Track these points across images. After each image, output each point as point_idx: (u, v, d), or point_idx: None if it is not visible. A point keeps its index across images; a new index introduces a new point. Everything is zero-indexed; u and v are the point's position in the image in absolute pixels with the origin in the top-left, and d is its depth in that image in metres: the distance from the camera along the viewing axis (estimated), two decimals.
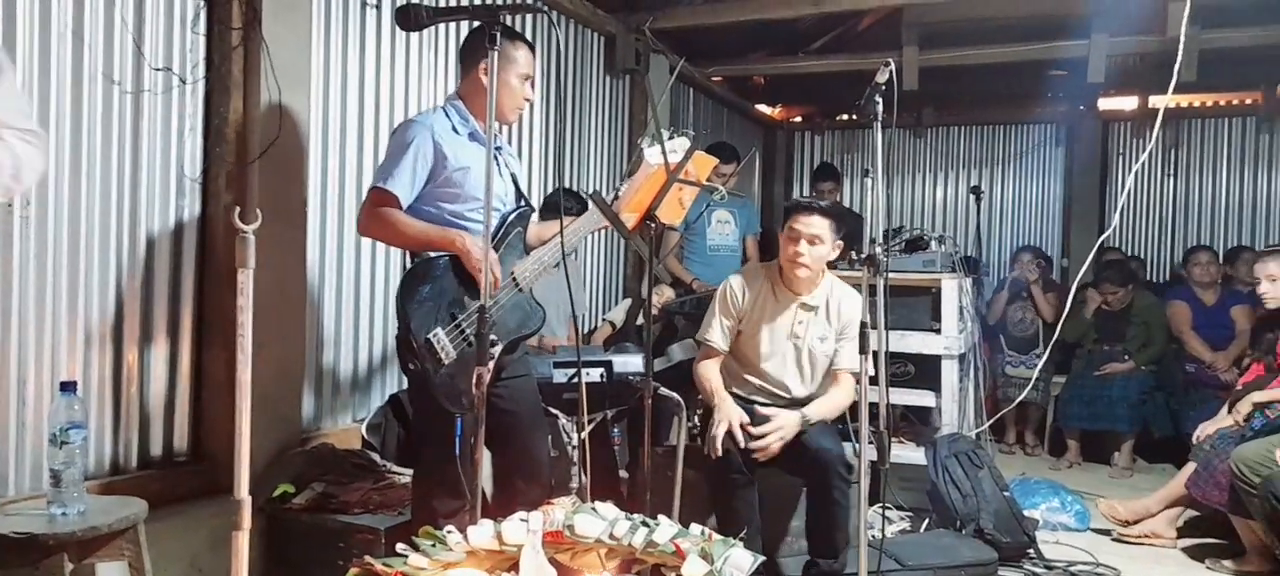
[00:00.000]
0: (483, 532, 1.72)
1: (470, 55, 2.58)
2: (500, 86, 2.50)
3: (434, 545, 1.70)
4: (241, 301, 1.54)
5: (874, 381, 2.43)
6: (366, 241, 3.51)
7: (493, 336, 2.37)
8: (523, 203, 2.68)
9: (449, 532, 1.73)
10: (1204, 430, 3.77)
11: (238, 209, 1.68)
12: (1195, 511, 3.86)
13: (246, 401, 1.62)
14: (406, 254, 2.63)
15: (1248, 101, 7.17)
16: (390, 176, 2.43)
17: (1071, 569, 3.49)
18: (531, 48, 2.60)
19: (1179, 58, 3.46)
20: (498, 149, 2.61)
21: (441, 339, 2.38)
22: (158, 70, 2.75)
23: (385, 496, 2.94)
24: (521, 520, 1.72)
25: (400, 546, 1.70)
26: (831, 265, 3.25)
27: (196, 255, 2.90)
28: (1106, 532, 3.92)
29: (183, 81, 2.83)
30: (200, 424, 2.93)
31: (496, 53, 2.09)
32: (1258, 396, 3.64)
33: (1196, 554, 3.72)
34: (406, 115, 3.60)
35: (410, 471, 2.97)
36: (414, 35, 3.70)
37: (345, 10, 3.38)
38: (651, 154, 2.62)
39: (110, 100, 2.64)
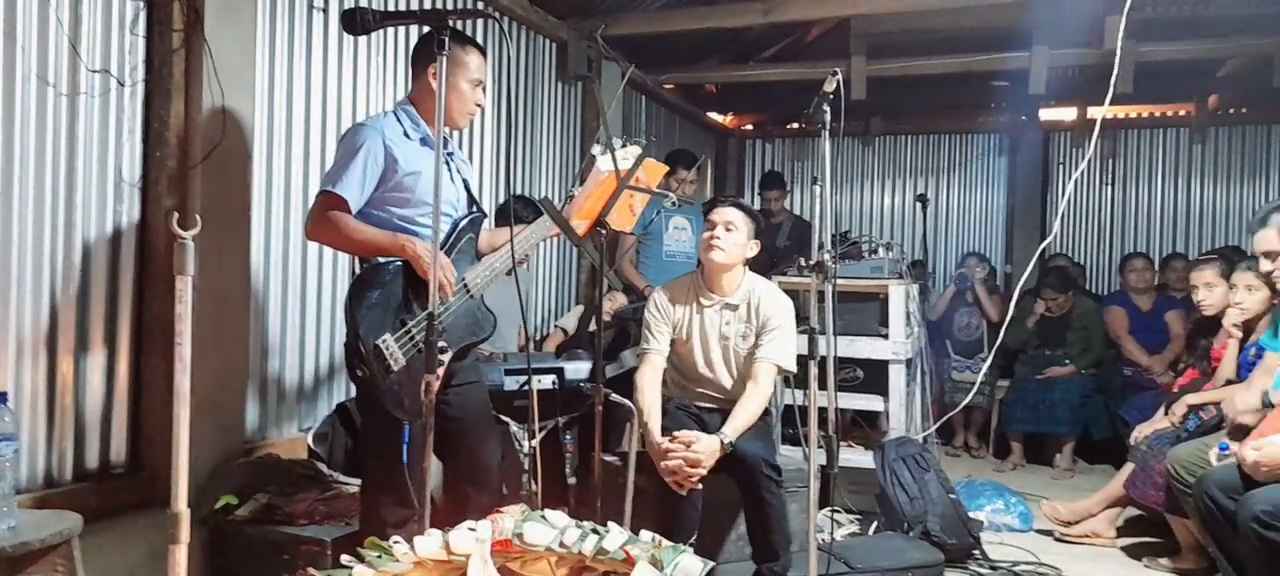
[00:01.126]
0: (430, 542, 1.69)
1: (421, 59, 2.55)
2: (451, 91, 2.48)
3: (380, 556, 1.67)
4: (180, 309, 1.51)
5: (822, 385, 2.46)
6: (314, 247, 3.45)
7: (443, 343, 2.35)
8: (475, 209, 2.66)
9: (396, 543, 1.70)
10: (1141, 431, 3.88)
11: (177, 214, 1.64)
12: (1136, 510, 3.96)
13: (185, 410, 1.59)
14: (355, 260, 2.59)
15: (1181, 113, 7.42)
16: (340, 180, 2.39)
17: (1015, 569, 3.56)
18: (484, 53, 2.59)
19: (1115, 70, 3.56)
20: (449, 154, 2.60)
21: (390, 345, 2.36)
22: (95, 72, 2.68)
23: (332, 507, 2.89)
24: (470, 529, 1.70)
25: (345, 558, 1.67)
26: (759, 268, 3.30)
27: (135, 261, 2.83)
28: (1049, 533, 4.01)
29: (121, 84, 2.75)
30: (139, 434, 2.85)
31: (446, 57, 2.08)
32: (1192, 398, 3.75)
33: (1135, 552, 3.82)
34: (354, 119, 3.55)
35: (358, 481, 2.92)
36: (361, 39, 3.65)
37: (291, 13, 3.33)
38: (603, 161, 2.62)
39: (45, 102, 2.55)
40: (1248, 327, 3.63)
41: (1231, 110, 7.25)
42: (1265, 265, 3.12)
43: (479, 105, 2.59)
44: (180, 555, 1.61)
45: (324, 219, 2.41)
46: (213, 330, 2.84)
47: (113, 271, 2.77)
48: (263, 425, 3.30)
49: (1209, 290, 4.02)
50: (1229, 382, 3.68)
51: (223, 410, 2.97)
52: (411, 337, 2.37)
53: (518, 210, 3.46)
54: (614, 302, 4.49)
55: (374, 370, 2.34)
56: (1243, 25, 5.25)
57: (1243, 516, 2.50)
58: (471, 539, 1.68)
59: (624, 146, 2.61)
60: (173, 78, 2.81)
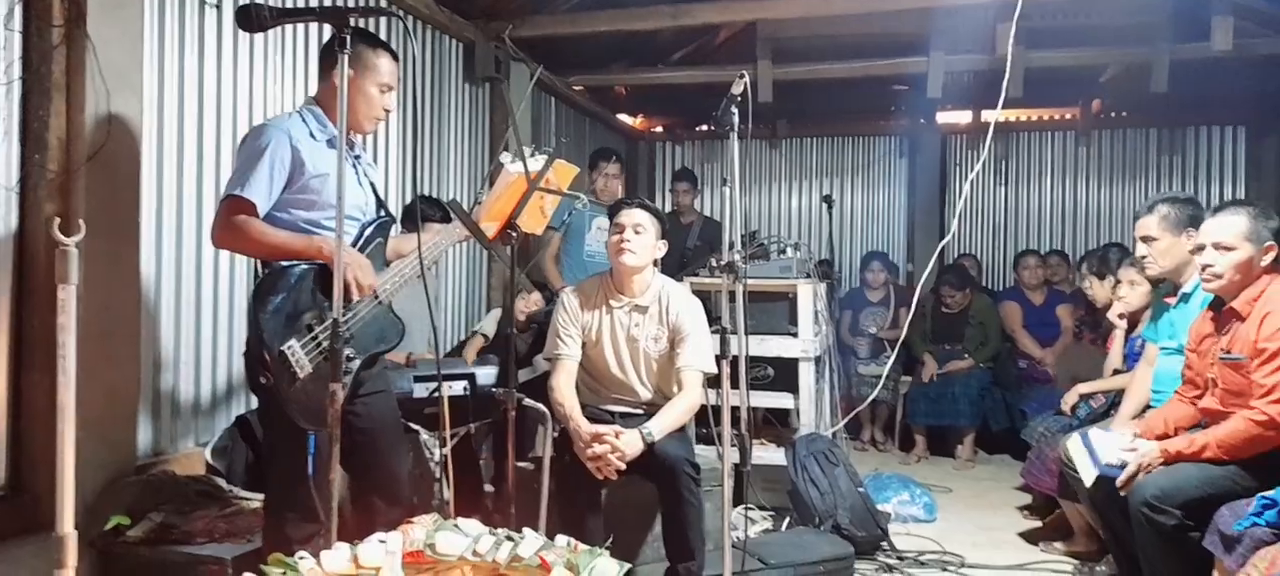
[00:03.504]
0: (338, 557, 1.64)
1: (328, 59, 2.47)
2: (359, 94, 2.42)
3: (284, 573, 1.61)
4: (62, 320, 1.42)
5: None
6: (209, 254, 3.32)
7: (350, 351, 2.28)
8: (383, 213, 2.59)
9: (301, 559, 1.65)
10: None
11: (59, 220, 1.54)
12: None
13: (70, 428, 1.50)
14: (256, 266, 2.49)
15: (1067, 116, 7.81)
16: (246, 183, 2.29)
17: (921, 558, 3.67)
18: (396, 57, 2.52)
19: (1007, 75, 3.71)
20: (356, 157, 2.53)
21: (296, 352, 2.27)
22: None
23: (232, 524, 2.78)
24: (380, 541, 1.66)
25: None
26: (670, 269, 3.32)
27: (13, 271, 2.66)
28: (954, 523, 4.15)
29: None
30: (19, 455, 2.68)
31: (347, 57, 2.02)
32: (1082, 387, 3.93)
33: (1031, 537, 3.99)
34: (251, 120, 3.43)
35: (260, 496, 2.82)
36: (258, 36, 3.53)
37: (181, 9, 3.19)
38: (512, 165, 2.59)
39: None
40: (1132, 320, 3.83)
41: (1113, 114, 7.67)
42: (1141, 249, 3.19)
43: (387, 110, 2.53)
44: None
45: (230, 224, 2.31)
46: (100, 342, 2.70)
47: None
48: (156, 441, 3.15)
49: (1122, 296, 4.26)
50: (1117, 371, 3.88)
51: (112, 426, 2.82)
52: (318, 344, 2.29)
53: (425, 211, 3.38)
54: (528, 303, 4.43)
55: (279, 378, 2.25)
56: (1122, 35, 5.56)
57: (1133, 503, 2.62)
58: (381, 551, 1.64)
59: (533, 155, 2.59)
60: (52, 76, 2.66)
